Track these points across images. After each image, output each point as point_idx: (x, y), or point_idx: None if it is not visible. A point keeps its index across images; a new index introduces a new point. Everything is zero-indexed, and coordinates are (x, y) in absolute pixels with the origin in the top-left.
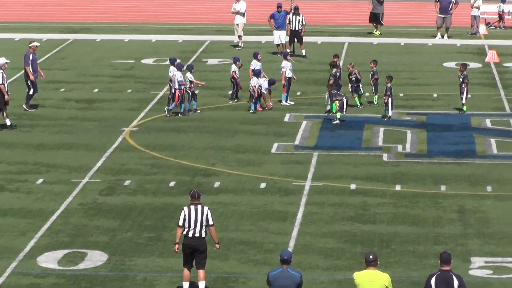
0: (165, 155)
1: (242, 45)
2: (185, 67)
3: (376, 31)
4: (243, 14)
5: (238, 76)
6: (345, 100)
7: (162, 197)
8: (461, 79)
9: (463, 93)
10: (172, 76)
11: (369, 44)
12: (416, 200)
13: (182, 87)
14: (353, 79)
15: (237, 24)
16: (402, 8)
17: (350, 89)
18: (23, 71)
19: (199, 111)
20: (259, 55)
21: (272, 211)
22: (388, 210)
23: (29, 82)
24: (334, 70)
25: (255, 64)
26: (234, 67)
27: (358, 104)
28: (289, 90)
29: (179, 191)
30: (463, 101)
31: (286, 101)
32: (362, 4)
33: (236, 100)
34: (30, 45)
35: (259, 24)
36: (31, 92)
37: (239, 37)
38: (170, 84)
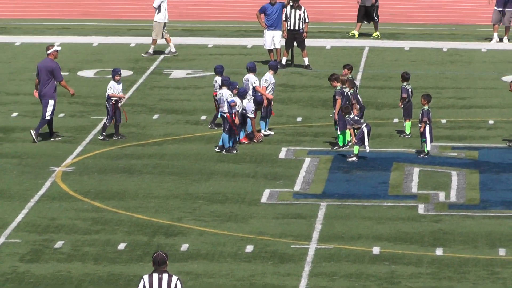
0: (112, 206)
1: (152, 52)
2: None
3: (375, 33)
4: (157, 9)
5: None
6: (365, 130)
7: (108, 265)
8: None
9: None
10: (115, 92)
11: (399, 50)
12: (465, 270)
13: (234, 110)
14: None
15: (155, 23)
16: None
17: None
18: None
19: (234, 151)
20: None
21: (263, 285)
22: (426, 283)
23: None
24: (342, 85)
25: (253, 79)
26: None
27: (341, 143)
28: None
29: (132, 257)
30: None
31: (263, 130)
32: None
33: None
34: (48, 51)
35: (244, 21)
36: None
37: (153, 40)
38: (107, 105)
